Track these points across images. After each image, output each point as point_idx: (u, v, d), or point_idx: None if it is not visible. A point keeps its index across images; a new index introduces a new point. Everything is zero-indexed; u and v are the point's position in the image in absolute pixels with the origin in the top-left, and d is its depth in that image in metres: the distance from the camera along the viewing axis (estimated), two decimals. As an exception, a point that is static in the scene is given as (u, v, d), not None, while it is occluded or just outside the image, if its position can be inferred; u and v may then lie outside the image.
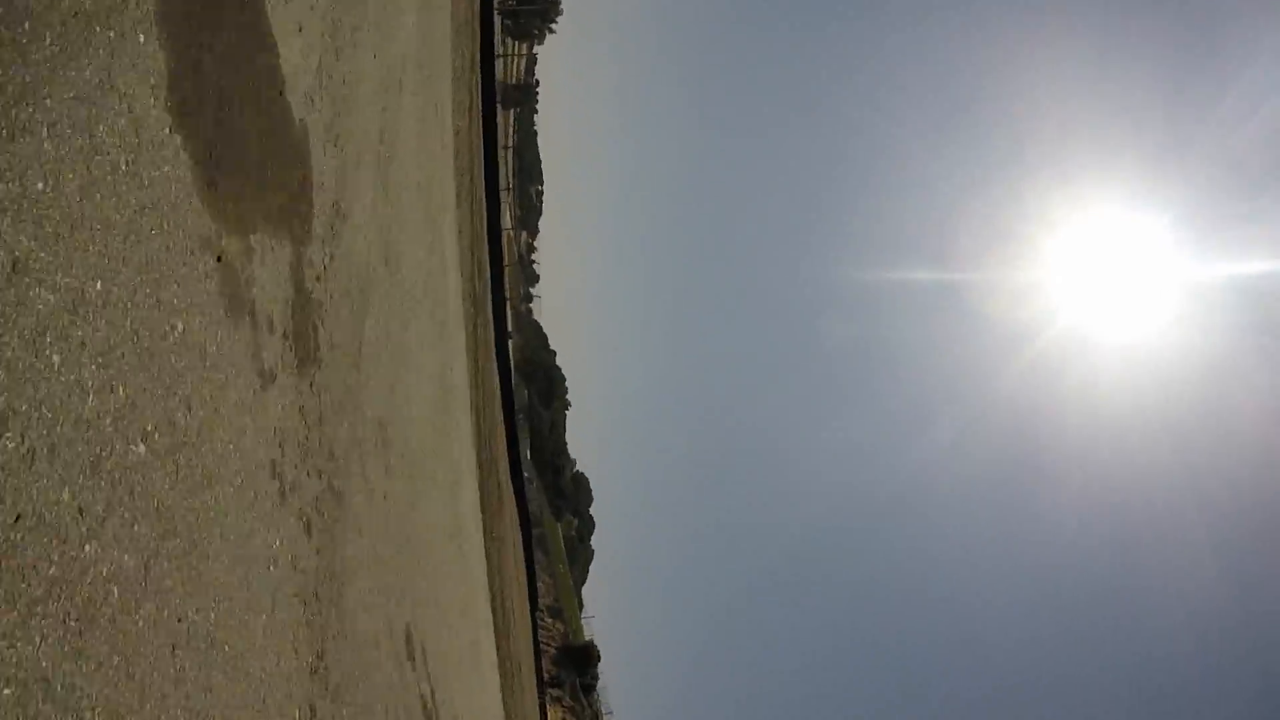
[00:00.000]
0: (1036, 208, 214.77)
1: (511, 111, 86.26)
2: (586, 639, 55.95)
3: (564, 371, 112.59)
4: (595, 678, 53.28)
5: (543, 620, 56.02)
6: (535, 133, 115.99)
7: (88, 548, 2.56)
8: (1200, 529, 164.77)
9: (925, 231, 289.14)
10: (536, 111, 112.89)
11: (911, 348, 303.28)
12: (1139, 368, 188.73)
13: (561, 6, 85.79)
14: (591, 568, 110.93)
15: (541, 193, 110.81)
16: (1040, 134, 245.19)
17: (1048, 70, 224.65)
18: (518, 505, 44.55)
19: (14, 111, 2.40)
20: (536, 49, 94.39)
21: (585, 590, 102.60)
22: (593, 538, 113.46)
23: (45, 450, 2.40)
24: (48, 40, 2.56)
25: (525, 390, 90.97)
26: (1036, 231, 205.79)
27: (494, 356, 31.01)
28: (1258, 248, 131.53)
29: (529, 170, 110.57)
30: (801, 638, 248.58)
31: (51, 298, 2.49)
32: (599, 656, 53.76)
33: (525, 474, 58.21)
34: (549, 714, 46.64)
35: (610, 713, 54.00)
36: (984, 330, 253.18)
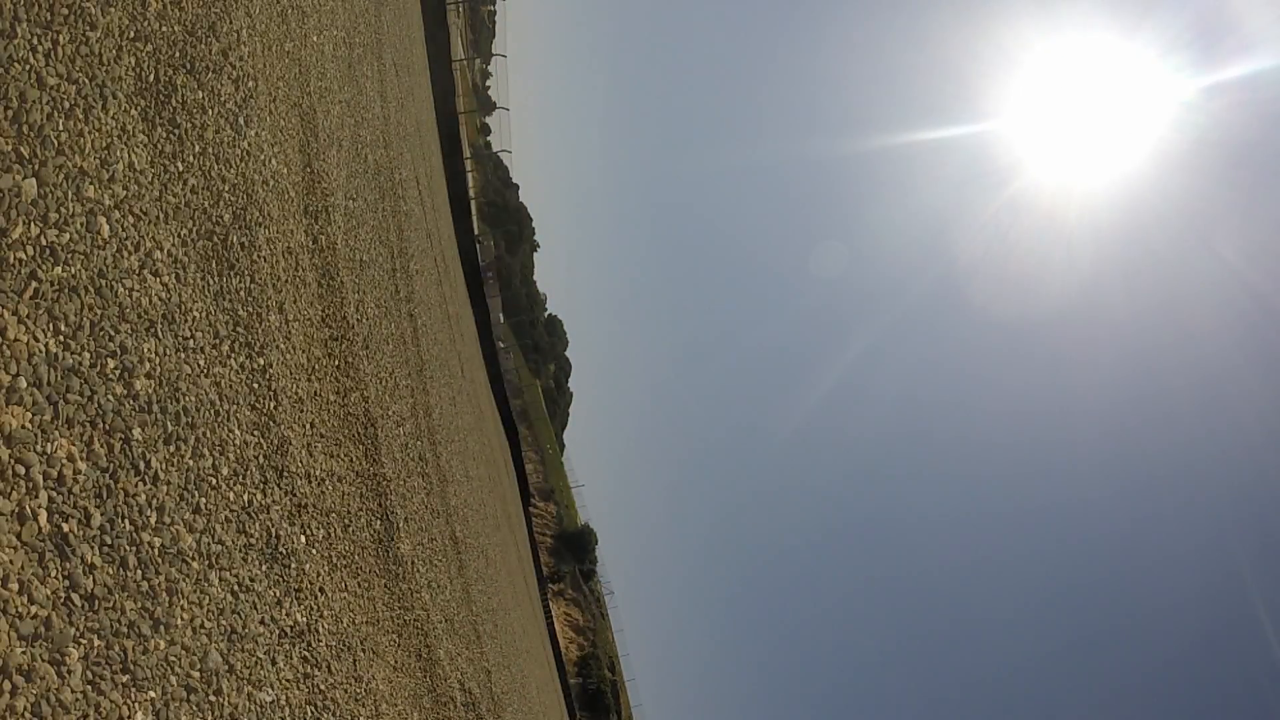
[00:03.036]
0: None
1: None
2: (581, 523, 55.14)
3: (529, 209, 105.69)
4: (594, 561, 52.99)
5: (535, 506, 54.81)
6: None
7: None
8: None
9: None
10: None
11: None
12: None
13: None
14: (571, 410, 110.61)
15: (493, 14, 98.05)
16: None
17: None
18: (505, 427, 41.46)
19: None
20: None
21: (566, 435, 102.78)
22: (570, 380, 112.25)
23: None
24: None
25: (491, 241, 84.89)
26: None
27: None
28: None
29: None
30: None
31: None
32: (596, 540, 53.21)
33: (503, 359, 54.64)
34: (553, 610, 46.52)
35: (611, 592, 54.39)
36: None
